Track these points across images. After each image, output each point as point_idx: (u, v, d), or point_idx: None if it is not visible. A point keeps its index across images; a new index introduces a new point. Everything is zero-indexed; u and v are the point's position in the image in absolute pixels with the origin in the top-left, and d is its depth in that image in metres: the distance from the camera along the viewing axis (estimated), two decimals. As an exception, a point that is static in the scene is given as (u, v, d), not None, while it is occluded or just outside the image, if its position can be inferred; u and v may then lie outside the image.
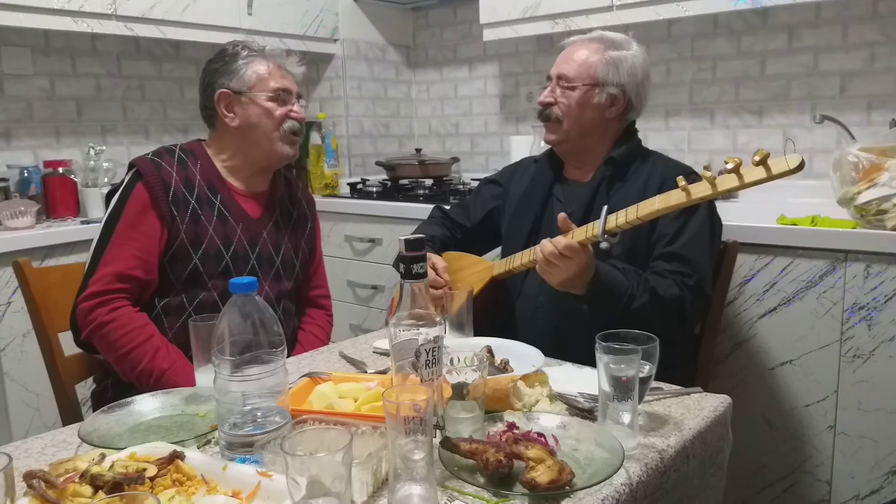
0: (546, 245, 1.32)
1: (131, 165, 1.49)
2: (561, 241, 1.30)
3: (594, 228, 1.30)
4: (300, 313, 1.71)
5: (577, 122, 1.58)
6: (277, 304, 1.56)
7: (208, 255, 1.47)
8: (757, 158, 1.12)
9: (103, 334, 1.39)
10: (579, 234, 1.32)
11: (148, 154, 1.50)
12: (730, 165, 1.15)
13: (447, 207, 1.87)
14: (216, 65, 1.54)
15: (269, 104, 1.51)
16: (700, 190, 1.21)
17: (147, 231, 1.42)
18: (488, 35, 2.60)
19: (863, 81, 2.15)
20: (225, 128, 1.54)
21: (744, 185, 1.16)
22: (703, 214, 1.49)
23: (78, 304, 1.41)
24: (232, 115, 1.52)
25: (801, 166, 1.11)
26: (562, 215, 1.34)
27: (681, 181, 1.22)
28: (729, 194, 2.31)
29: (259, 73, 1.51)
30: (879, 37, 2.10)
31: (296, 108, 1.55)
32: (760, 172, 1.14)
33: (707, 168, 1.19)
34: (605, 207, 1.30)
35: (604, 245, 1.28)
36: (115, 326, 1.38)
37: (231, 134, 1.54)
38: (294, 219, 1.66)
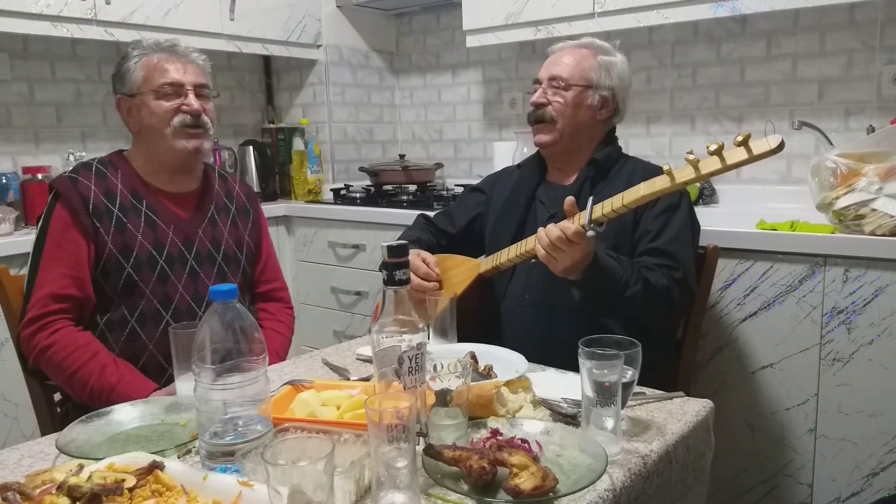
0: (553, 230, 1.31)
1: (50, 187, 1.47)
2: (570, 227, 1.29)
3: (581, 218, 1.30)
4: (257, 310, 1.68)
5: (570, 122, 1.60)
6: None
7: (141, 261, 1.44)
8: (739, 139, 1.13)
9: (48, 358, 1.36)
10: (576, 220, 1.33)
11: (66, 172, 1.48)
12: (713, 147, 1.16)
13: (431, 215, 1.87)
14: (114, 71, 1.51)
15: (156, 102, 1.46)
16: (684, 174, 1.22)
17: (73, 248, 1.40)
18: (471, 41, 2.61)
19: (840, 88, 2.18)
20: (133, 133, 1.52)
21: (727, 168, 1.17)
22: (684, 214, 1.52)
23: (20, 333, 1.39)
24: (132, 119, 1.50)
25: (780, 146, 1.12)
26: (570, 198, 1.33)
27: (665, 166, 1.23)
28: (710, 199, 2.34)
29: (145, 71, 1.47)
30: (856, 44, 2.13)
31: (188, 100, 1.48)
32: (742, 154, 1.15)
33: (690, 153, 1.20)
34: (591, 197, 1.31)
35: (590, 234, 1.28)
36: (59, 349, 1.36)
37: (138, 138, 1.52)
38: (233, 213, 1.62)
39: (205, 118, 1.50)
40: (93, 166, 1.48)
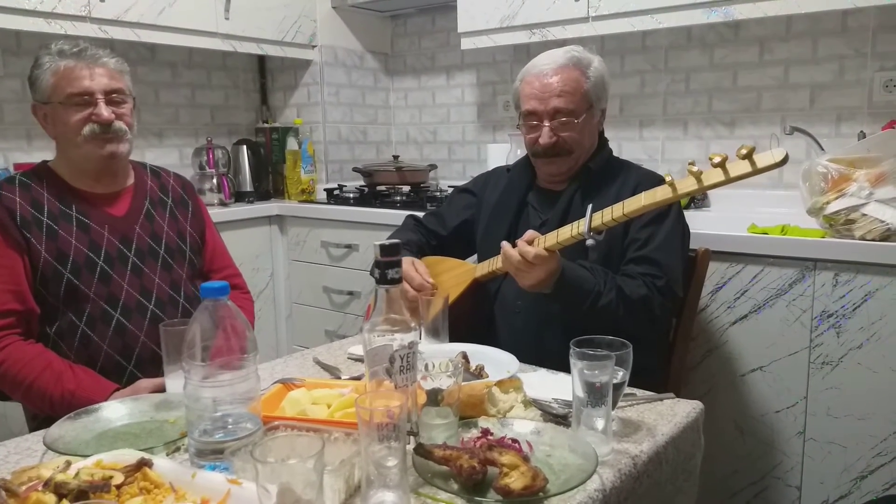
0: (513, 255, 1.35)
1: None
2: (530, 251, 1.33)
3: (580, 226, 1.31)
4: None
5: (585, 146, 1.60)
6: (177, 293, 1.53)
7: (78, 265, 1.42)
8: (743, 152, 1.13)
9: (1, 375, 1.34)
10: (564, 232, 1.34)
11: None
12: (716, 160, 1.16)
13: (420, 216, 1.87)
14: (28, 75, 1.47)
15: (65, 112, 1.42)
16: (686, 185, 1.22)
17: (7, 263, 1.38)
18: (466, 44, 2.61)
19: (832, 94, 2.19)
20: (52, 139, 1.50)
21: (730, 180, 1.17)
22: (672, 221, 1.52)
23: None
24: (48, 126, 1.47)
25: (785, 160, 1.12)
26: (529, 231, 1.38)
27: (668, 176, 1.24)
28: (701, 203, 2.36)
29: (54, 79, 1.42)
30: (848, 51, 2.15)
31: (97, 109, 1.42)
32: (746, 167, 1.15)
33: (692, 163, 1.21)
34: (590, 206, 1.32)
35: (590, 242, 1.30)
36: (10, 363, 1.34)
37: (57, 144, 1.50)
38: (170, 206, 1.61)
39: (117, 125, 1.45)
40: (16, 179, 1.46)
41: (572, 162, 1.60)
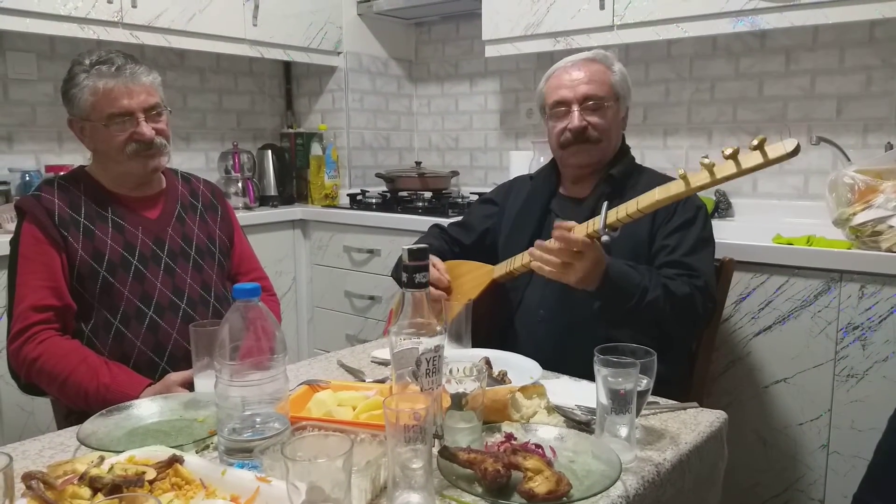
0: (552, 246, 1.31)
1: (17, 208, 1.49)
2: (577, 237, 1.29)
3: (595, 224, 1.32)
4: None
5: (612, 139, 1.61)
6: (208, 293, 1.56)
7: (114, 264, 1.46)
8: (755, 143, 1.14)
9: (38, 369, 1.37)
10: (580, 230, 1.34)
11: (30, 192, 1.51)
12: (728, 152, 1.16)
13: (444, 224, 1.88)
14: (62, 89, 1.49)
15: (107, 131, 1.45)
16: (699, 178, 1.22)
17: (46, 261, 1.42)
18: (490, 51, 2.63)
19: (859, 105, 2.17)
20: (90, 151, 1.53)
21: (742, 172, 1.17)
22: (700, 226, 1.52)
23: (8, 350, 1.41)
24: (86, 139, 1.50)
25: (796, 150, 1.12)
26: (569, 222, 1.33)
27: (680, 170, 1.24)
28: (726, 213, 2.34)
29: (93, 98, 1.44)
30: (876, 61, 2.13)
31: (140, 129, 1.45)
32: (757, 157, 1.15)
33: (705, 157, 1.21)
34: (605, 203, 1.33)
35: (605, 239, 1.29)
36: (47, 357, 1.37)
37: (94, 155, 1.54)
38: (200, 210, 1.64)
39: (158, 140, 1.49)
40: (55, 182, 1.50)
41: (600, 154, 1.60)
